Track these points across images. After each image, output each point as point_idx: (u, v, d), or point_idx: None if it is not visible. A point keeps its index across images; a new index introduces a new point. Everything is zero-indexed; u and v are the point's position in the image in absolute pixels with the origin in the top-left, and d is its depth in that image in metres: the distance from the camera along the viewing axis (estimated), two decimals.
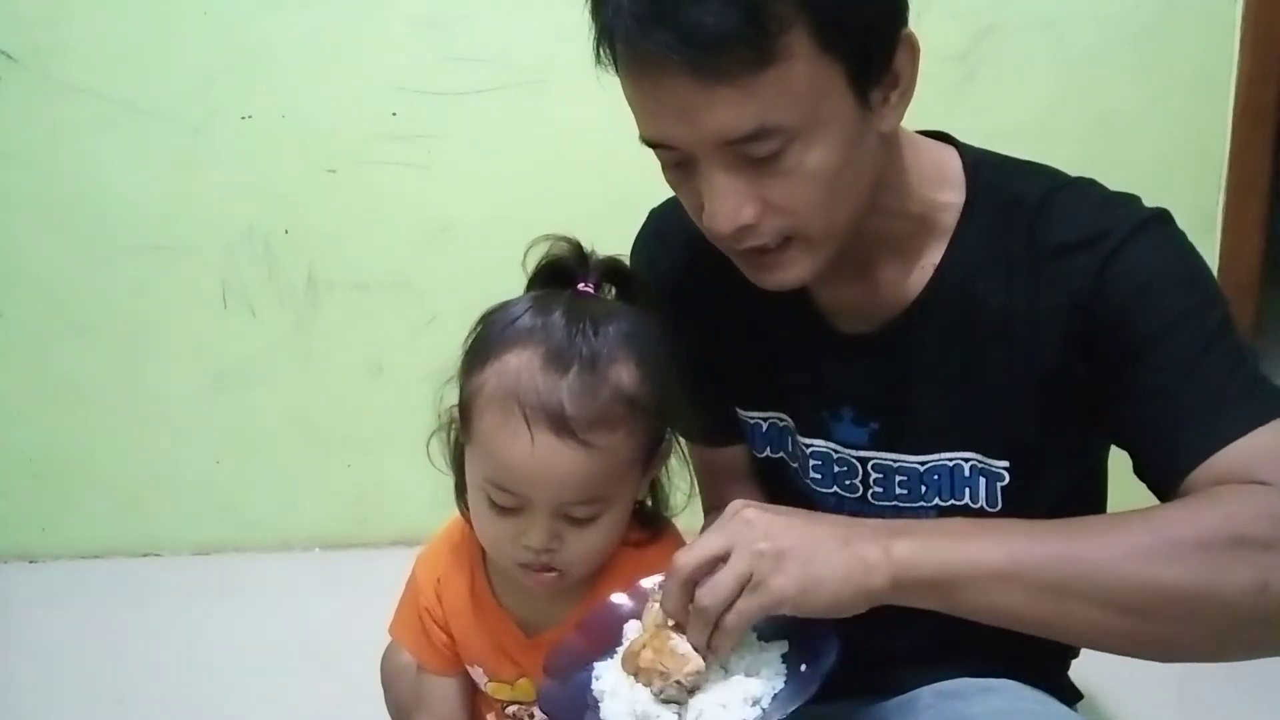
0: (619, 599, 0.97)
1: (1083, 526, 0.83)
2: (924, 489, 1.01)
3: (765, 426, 1.10)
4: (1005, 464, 0.98)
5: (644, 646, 0.85)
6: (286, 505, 2.28)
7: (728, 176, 0.85)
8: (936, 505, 1.01)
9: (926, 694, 1.03)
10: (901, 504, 1.02)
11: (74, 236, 2.14)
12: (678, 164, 0.89)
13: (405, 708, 1.19)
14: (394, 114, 2.07)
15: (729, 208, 0.86)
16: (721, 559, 0.81)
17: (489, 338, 0.95)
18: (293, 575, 2.21)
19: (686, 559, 0.82)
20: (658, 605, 0.88)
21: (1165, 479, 0.87)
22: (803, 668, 0.85)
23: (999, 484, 0.98)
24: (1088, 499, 1.07)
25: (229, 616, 2.07)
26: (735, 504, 0.85)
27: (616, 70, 0.86)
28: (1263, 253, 2.15)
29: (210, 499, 2.27)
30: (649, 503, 1.05)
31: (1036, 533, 0.83)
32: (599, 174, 1.88)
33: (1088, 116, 2.05)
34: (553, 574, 0.96)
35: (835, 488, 1.06)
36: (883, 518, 1.02)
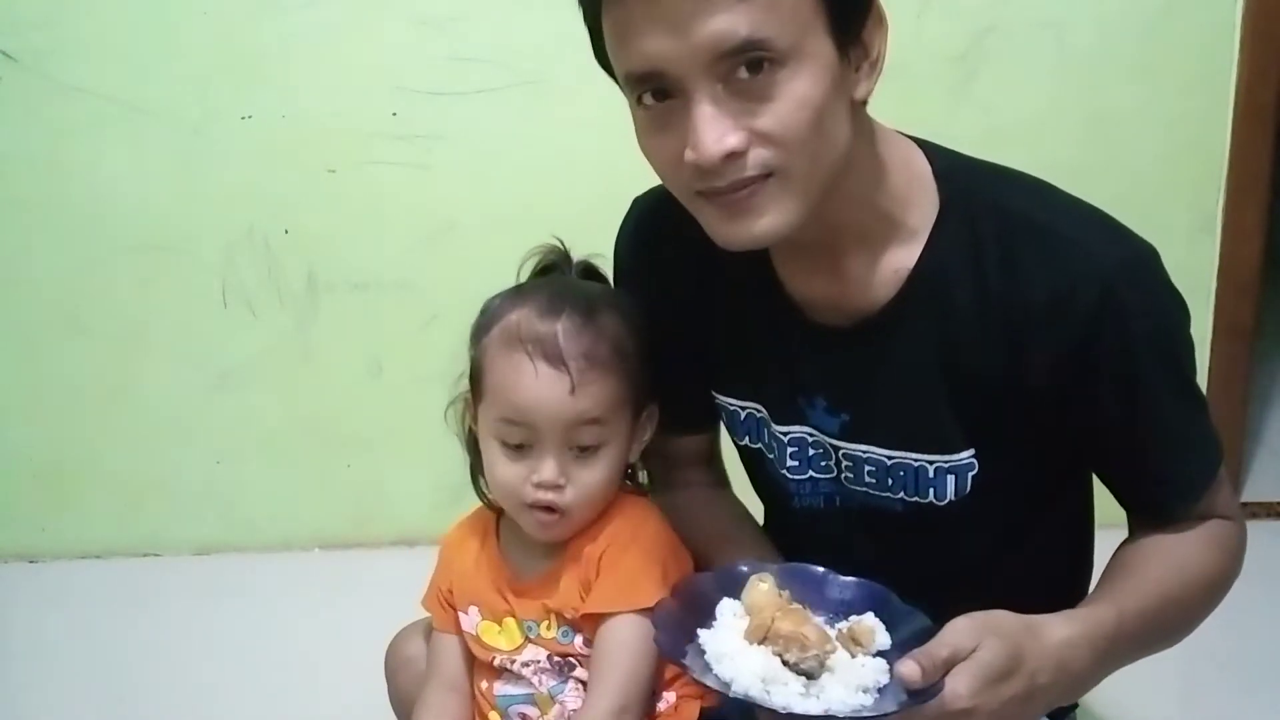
0: (706, 574, 1.04)
1: (1156, 603, 0.97)
2: (890, 481, 1.04)
3: (743, 415, 1.12)
4: (971, 452, 1.00)
5: (775, 620, 0.90)
6: (286, 505, 2.27)
7: (714, 106, 0.85)
8: (902, 499, 1.03)
9: None
10: (872, 491, 1.05)
11: (74, 236, 2.14)
12: (662, 97, 0.87)
13: (408, 700, 1.20)
14: (394, 114, 2.07)
15: (716, 133, 0.84)
16: None
17: (491, 309, 1.09)
18: (293, 575, 2.20)
19: None
20: (765, 584, 0.94)
21: (1158, 512, 1.02)
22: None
23: (970, 474, 1.01)
24: (1071, 497, 1.11)
25: (229, 616, 2.06)
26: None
27: (600, 20, 0.87)
28: (1263, 253, 2.14)
29: (210, 499, 2.27)
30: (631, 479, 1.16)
31: (1135, 639, 0.96)
32: (598, 174, 1.87)
33: (1087, 116, 2.05)
34: (555, 515, 1.05)
35: (810, 472, 1.09)
36: (855, 501, 1.06)
